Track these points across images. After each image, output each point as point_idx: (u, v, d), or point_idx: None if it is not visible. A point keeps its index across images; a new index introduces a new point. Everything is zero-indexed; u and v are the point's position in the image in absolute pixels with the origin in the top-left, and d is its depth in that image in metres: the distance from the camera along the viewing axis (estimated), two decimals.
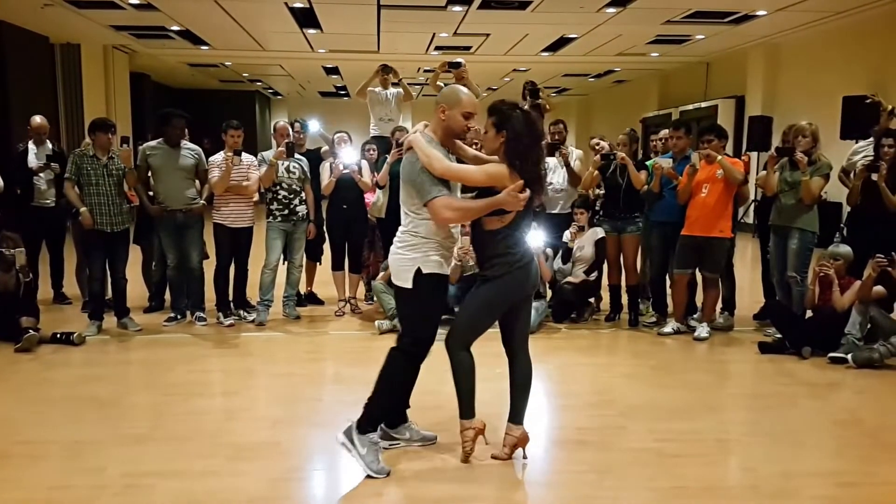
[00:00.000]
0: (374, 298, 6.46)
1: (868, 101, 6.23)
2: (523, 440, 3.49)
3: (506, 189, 3.18)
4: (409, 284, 3.35)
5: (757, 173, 9.81)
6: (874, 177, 5.48)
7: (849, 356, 5.04)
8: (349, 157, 6.33)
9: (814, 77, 12.06)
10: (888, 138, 5.58)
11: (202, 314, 6.16)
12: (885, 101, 6.52)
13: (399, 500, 3.08)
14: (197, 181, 6.10)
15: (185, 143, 6.07)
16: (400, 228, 3.47)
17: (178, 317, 6.20)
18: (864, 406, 4.43)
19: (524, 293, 3.43)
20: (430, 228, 3.34)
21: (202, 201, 6.13)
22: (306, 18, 11.75)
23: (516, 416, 3.50)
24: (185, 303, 6.23)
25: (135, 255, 6.37)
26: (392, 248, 3.50)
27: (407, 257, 3.37)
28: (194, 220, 6.08)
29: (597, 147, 6.18)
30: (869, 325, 5.23)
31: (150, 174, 6.08)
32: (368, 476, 3.26)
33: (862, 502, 3.12)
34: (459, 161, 3.48)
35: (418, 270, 3.33)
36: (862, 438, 3.84)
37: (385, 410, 3.54)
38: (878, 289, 5.18)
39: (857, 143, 6.73)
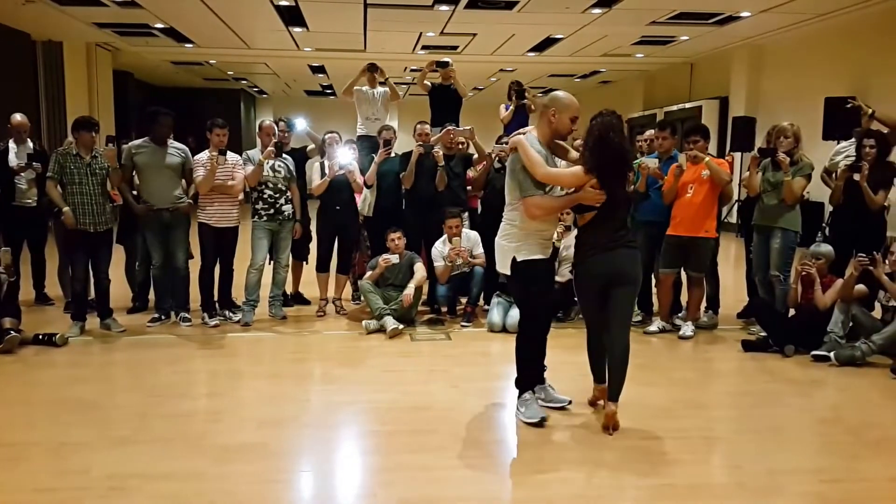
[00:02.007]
0: (362, 298, 6.45)
1: (848, 106, 6.30)
2: (610, 417, 3.82)
3: (583, 187, 3.69)
4: (507, 271, 3.85)
5: (741, 174, 9.91)
6: (856, 177, 5.54)
7: (831, 354, 5.09)
8: (345, 157, 6.29)
9: (797, 78, 12.18)
10: (869, 139, 5.64)
11: (187, 315, 6.12)
12: (866, 102, 6.58)
13: (389, 500, 3.08)
14: (183, 180, 6.06)
15: (172, 142, 6.03)
16: (508, 220, 3.87)
17: (163, 317, 6.16)
18: (847, 403, 4.48)
19: (604, 278, 3.81)
20: (527, 220, 3.76)
21: (188, 200, 6.09)
22: (292, 16, 11.71)
23: (610, 394, 3.84)
24: (170, 303, 6.19)
25: (118, 255, 6.32)
26: (497, 238, 3.95)
27: (507, 246, 3.84)
28: (180, 219, 6.03)
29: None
30: (851, 324, 5.28)
31: (133, 173, 6.03)
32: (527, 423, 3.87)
33: (846, 498, 3.14)
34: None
35: (513, 259, 3.79)
36: (845, 435, 3.88)
37: (528, 377, 4.02)
38: (860, 287, 5.24)
39: (838, 143, 6.79)
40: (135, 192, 6.10)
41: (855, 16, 10.61)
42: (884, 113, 5.99)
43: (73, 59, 13.91)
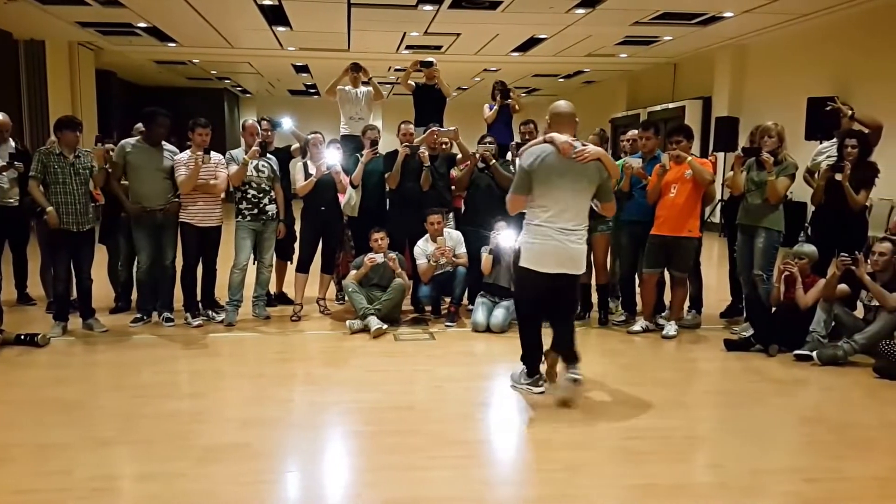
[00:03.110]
0: (346, 298, 6.42)
1: (828, 108, 6.36)
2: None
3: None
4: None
5: (724, 173, 9.98)
6: (838, 177, 5.58)
7: (814, 354, 5.13)
8: (332, 157, 6.27)
9: (780, 78, 12.27)
10: (851, 139, 5.68)
11: (170, 315, 6.08)
12: (849, 102, 6.64)
13: (373, 501, 3.07)
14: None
15: (165, 144, 5.99)
16: (579, 224, 4.13)
17: (145, 317, 6.11)
18: (830, 403, 4.52)
19: None
20: None
21: (175, 199, 6.03)
22: (276, 16, 11.66)
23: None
24: (153, 303, 6.14)
25: (100, 255, 6.26)
26: (577, 246, 4.13)
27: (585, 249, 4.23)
28: (171, 219, 5.99)
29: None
30: (833, 323, 5.33)
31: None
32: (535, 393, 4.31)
33: (828, 498, 3.16)
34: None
35: None
36: (827, 435, 3.91)
37: (533, 362, 4.39)
38: (842, 287, 5.28)
39: (821, 143, 6.85)
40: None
41: (837, 16, 10.71)
42: (863, 113, 6.05)
43: (56, 58, 13.77)
